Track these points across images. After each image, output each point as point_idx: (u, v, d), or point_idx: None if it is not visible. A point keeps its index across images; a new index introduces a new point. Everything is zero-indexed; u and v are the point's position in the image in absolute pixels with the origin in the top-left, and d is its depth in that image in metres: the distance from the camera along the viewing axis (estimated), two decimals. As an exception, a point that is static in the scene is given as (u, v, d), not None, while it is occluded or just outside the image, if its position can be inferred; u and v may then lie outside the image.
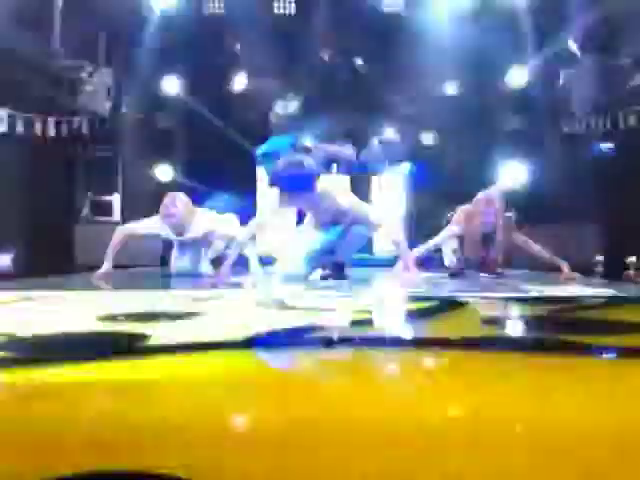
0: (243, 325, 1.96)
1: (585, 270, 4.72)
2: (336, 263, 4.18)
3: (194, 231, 4.53)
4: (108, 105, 7.41)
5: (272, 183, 3.80)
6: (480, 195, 4.58)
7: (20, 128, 6.47)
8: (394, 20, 7.67)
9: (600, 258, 5.34)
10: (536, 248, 4.54)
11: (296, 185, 3.71)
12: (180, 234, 4.54)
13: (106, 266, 4.29)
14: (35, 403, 1.04)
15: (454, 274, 4.68)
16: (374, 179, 7.36)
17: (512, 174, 6.91)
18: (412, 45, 7.20)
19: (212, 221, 4.53)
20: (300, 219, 4.68)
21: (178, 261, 4.76)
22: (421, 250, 4.55)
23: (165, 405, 1.07)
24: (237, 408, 1.03)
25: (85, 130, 7.19)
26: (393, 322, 2.28)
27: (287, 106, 8.15)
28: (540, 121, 6.97)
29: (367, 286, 4.05)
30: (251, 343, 1.62)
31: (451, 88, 8.38)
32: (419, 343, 1.77)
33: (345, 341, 1.69)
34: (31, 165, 6.57)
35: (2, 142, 6.22)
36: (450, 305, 2.70)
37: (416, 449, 0.86)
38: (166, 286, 4.09)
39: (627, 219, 5.40)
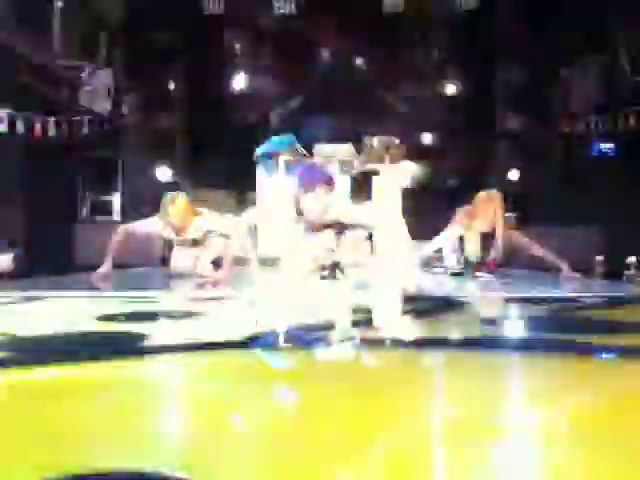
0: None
1: (585, 270, 4.71)
2: (335, 263, 4.18)
3: (194, 231, 4.53)
4: (108, 105, 7.41)
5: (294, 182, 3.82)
6: (480, 195, 4.58)
7: (20, 128, 6.47)
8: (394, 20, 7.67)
9: (600, 258, 5.34)
10: (536, 248, 4.54)
11: (320, 182, 3.73)
12: (180, 234, 4.54)
13: (106, 266, 4.28)
14: (36, 403, 1.04)
15: (455, 274, 4.68)
16: (374, 179, 7.35)
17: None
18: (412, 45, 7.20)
19: (212, 221, 4.53)
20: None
21: (178, 261, 4.76)
22: (422, 250, 4.55)
23: (164, 405, 1.07)
24: (237, 408, 1.03)
25: (85, 130, 7.19)
26: (394, 322, 2.28)
27: (287, 106, 8.15)
28: (540, 121, 6.97)
29: (368, 287, 4.05)
30: (251, 343, 1.62)
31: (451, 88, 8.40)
32: (419, 343, 1.77)
33: (346, 341, 1.69)
34: (31, 165, 6.57)
35: (2, 142, 6.22)
36: (450, 305, 2.70)
37: (418, 450, 0.86)
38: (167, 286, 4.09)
39: (627, 219, 5.40)
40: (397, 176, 7.28)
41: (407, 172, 7.37)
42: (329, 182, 3.80)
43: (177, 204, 4.36)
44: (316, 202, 3.73)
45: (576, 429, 0.93)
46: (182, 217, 4.39)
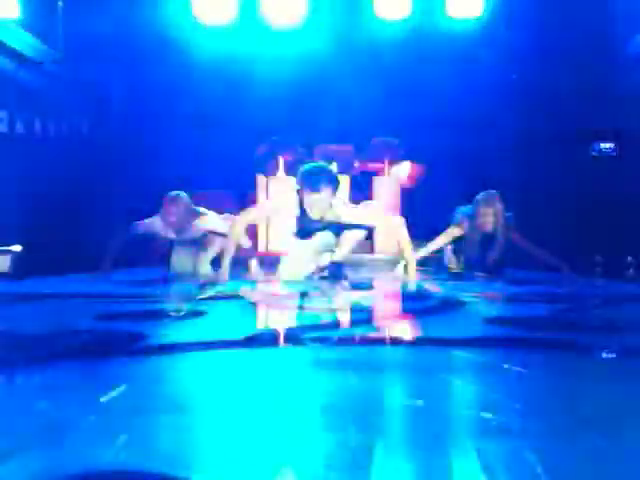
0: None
1: (585, 270, 4.71)
2: (334, 263, 4.18)
3: (194, 231, 4.53)
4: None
5: (299, 182, 3.79)
6: (480, 195, 4.58)
7: (20, 128, 6.47)
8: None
9: (600, 258, 5.34)
10: (535, 248, 4.54)
11: (326, 183, 3.71)
12: (180, 234, 4.54)
13: (106, 266, 4.28)
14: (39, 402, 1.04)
15: (455, 274, 4.69)
16: (375, 179, 7.35)
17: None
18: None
19: (212, 221, 4.53)
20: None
21: (178, 261, 4.76)
22: (423, 251, 4.55)
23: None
24: (237, 406, 1.04)
25: (85, 130, 7.18)
26: (393, 322, 2.28)
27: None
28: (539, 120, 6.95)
29: (367, 287, 4.05)
30: (251, 342, 1.63)
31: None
32: (419, 343, 1.77)
33: (345, 341, 1.69)
34: (31, 165, 6.57)
35: (2, 142, 6.22)
36: (450, 305, 2.71)
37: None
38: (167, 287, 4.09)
39: (626, 219, 5.39)
40: (397, 176, 7.30)
41: (407, 172, 7.38)
42: (335, 182, 3.79)
43: (178, 204, 4.36)
44: (320, 202, 3.72)
45: None
46: (182, 217, 4.39)
